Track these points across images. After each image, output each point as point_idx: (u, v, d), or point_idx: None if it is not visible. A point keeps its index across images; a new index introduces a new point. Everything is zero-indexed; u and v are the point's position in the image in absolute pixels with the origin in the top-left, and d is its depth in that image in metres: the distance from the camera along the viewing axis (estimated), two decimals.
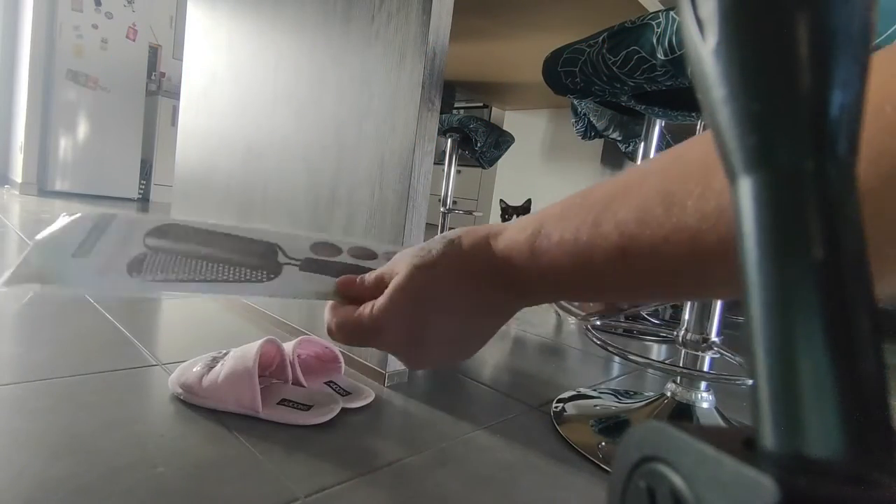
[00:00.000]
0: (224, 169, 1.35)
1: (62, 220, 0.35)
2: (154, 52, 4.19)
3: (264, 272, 0.35)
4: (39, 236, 0.34)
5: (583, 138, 1.84)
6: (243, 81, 1.29)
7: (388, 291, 0.33)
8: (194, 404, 0.71)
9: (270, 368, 0.78)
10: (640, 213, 0.26)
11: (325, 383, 0.81)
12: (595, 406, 0.90)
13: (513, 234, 0.32)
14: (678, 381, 0.84)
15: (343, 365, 0.85)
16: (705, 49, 0.13)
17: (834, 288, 0.12)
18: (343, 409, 0.74)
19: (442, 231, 1.62)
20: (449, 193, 2.09)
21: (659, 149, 1.64)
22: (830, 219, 0.12)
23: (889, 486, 0.11)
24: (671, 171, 0.26)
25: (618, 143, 1.92)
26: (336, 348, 0.86)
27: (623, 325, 1.69)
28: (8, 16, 3.75)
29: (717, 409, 0.83)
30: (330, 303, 0.37)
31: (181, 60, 1.64)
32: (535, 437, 0.78)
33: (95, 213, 0.36)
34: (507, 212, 2.29)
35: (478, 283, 0.33)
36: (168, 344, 0.98)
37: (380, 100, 0.92)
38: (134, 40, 3.78)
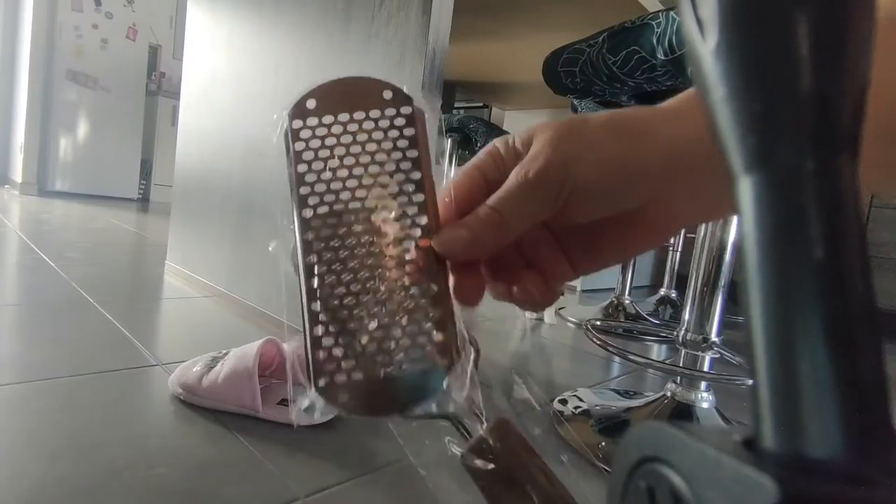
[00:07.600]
0: (224, 169, 1.35)
1: None
2: (154, 52, 4.18)
3: None
4: None
5: None
6: (243, 81, 1.29)
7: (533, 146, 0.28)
8: (194, 404, 0.71)
9: (270, 368, 0.78)
10: None
11: None
12: (595, 406, 0.90)
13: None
14: (678, 381, 0.84)
15: None
16: (705, 49, 0.13)
17: (834, 288, 0.12)
18: None
19: None
20: None
21: None
22: (830, 219, 0.12)
23: (889, 486, 0.11)
24: None
25: None
26: None
27: (623, 325, 1.69)
28: (8, 16, 3.75)
29: (717, 409, 0.83)
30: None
31: (181, 60, 1.64)
32: (535, 437, 0.77)
33: None
34: None
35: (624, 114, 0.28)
36: (168, 344, 0.98)
37: None
38: (134, 40, 3.78)
